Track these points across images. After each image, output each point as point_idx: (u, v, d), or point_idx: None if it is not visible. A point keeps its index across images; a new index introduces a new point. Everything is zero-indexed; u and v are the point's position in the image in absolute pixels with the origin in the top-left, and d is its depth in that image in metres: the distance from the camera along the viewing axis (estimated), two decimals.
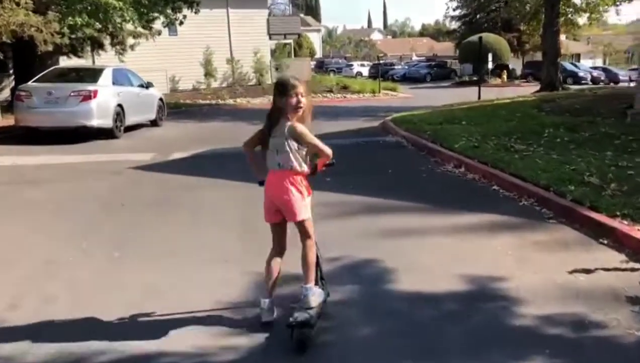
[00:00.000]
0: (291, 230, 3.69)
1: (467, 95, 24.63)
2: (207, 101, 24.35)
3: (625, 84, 35.47)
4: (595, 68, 49.99)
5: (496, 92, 25.37)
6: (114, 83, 13.55)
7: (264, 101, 25.19)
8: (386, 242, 5.26)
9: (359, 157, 9.52)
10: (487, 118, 12.63)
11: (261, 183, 3.62)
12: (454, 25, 55.17)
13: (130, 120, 13.77)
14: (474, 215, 6.00)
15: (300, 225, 3.56)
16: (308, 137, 3.47)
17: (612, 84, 43.36)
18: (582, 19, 25.67)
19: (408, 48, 77.40)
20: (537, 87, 23.67)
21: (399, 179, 7.90)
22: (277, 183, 3.49)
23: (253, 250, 4.76)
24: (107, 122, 12.68)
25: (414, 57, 69.04)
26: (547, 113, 13.45)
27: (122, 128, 13.32)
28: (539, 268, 4.50)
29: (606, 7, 25.46)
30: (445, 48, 68.63)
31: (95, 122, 12.43)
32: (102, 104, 12.60)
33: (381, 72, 51.52)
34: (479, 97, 22.04)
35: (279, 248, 3.69)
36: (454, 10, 51.93)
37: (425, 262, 4.72)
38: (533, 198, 6.33)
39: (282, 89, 3.47)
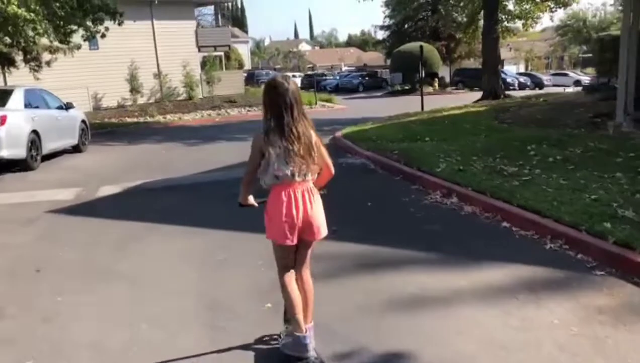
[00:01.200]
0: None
1: (406, 105, 24.07)
2: (135, 119, 22.38)
3: (555, 89, 36.02)
4: (521, 74, 51.13)
5: (435, 102, 24.91)
6: (26, 106, 11.65)
7: (197, 117, 23.50)
8: (402, 319, 3.96)
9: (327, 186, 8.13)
10: (452, 133, 11.63)
11: (242, 205, 3.36)
12: (382, 35, 55.10)
13: (48, 147, 11.89)
14: (497, 267, 4.80)
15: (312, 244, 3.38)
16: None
17: (537, 89, 44.43)
18: (515, 26, 25.57)
19: (336, 58, 77.14)
20: (471, 95, 23.24)
21: (385, 216, 6.62)
22: (303, 198, 3.18)
23: (225, 341, 3.53)
24: (19, 152, 10.79)
25: (344, 68, 68.73)
26: (509, 125, 12.66)
27: (38, 158, 11.44)
28: (636, 359, 3.31)
29: (540, 13, 25.53)
30: (373, 58, 68.81)
31: (4, 152, 10.52)
32: (12, 131, 10.71)
33: (314, 83, 50.75)
34: (422, 108, 21.24)
35: (291, 269, 3.36)
36: (383, 20, 51.82)
37: (468, 354, 3.45)
38: (560, 239, 5.20)
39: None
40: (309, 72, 56.44)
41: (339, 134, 14.15)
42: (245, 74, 45.25)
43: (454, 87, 45.30)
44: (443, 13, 43.75)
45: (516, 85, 45.33)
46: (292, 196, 3.15)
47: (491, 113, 15.19)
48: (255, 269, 5.02)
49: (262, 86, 3.52)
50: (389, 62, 50.52)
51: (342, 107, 29.83)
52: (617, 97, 9.63)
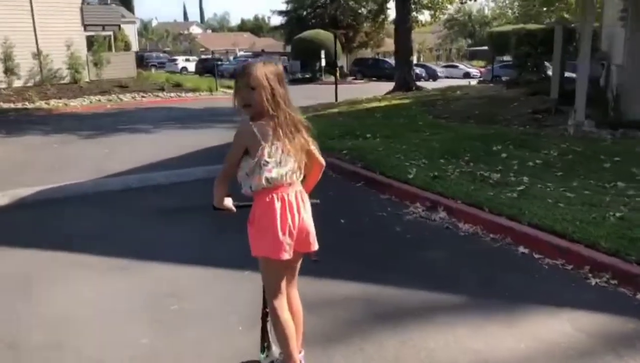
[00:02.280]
0: None
1: (314, 95, 23.20)
2: (11, 105, 19.40)
3: (450, 81, 36.65)
4: (416, 65, 51.92)
5: (342, 92, 24.22)
6: None
7: (85, 103, 20.89)
8: None
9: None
10: (392, 129, 10.62)
11: (216, 209, 2.73)
12: (281, 20, 53.62)
13: None
14: (548, 314, 3.76)
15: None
16: None
17: (431, 80, 45.36)
18: (424, 17, 25.34)
19: (230, 43, 74.63)
20: (374, 85, 22.52)
21: (369, 238, 5.39)
22: (297, 202, 2.66)
23: None
24: None
25: (240, 53, 66.52)
26: (447, 120, 11.90)
27: None
28: None
29: (449, 5, 25.43)
30: (271, 44, 67.28)
31: None
32: None
33: (209, 68, 48.40)
34: (337, 98, 20.28)
35: (284, 292, 2.78)
36: (281, 5, 50.33)
37: None
38: (604, 272, 4.26)
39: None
40: (204, 57, 53.83)
41: None
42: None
43: (353, 77, 45.03)
44: (342, 1, 43.16)
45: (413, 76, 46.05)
46: (286, 200, 2.64)
47: (419, 106, 14.45)
48: (229, 327, 3.62)
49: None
50: (288, 49, 49.23)
51: None
52: (577, 96, 9.08)
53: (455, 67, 53.58)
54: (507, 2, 59.49)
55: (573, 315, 3.75)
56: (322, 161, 2.83)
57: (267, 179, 2.58)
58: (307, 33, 41.47)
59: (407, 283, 4.28)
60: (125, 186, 7.59)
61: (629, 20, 9.02)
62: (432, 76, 48.23)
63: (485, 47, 63.77)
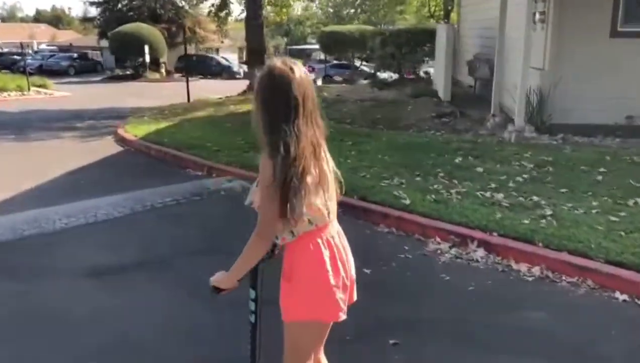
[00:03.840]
0: None
1: (150, 93, 21.29)
2: None
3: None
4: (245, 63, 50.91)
5: (173, 90, 22.53)
6: None
7: None
8: None
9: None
10: None
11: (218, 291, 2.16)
12: (95, 12, 48.61)
13: None
14: None
15: None
16: None
17: None
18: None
19: (26, 35, 66.23)
20: (206, 83, 20.82)
21: (418, 294, 4.15)
22: (343, 244, 2.19)
23: None
24: None
25: (42, 46, 59.28)
26: (352, 126, 10.94)
27: None
28: None
29: (292, 2, 24.64)
30: (75, 38, 61.15)
31: None
32: None
33: (7, 64, 42.43)
34: (189, 99, 18.37)
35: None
36: None
37: None
38: None
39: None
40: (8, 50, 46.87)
41: (131, 136, 10.65)
42: None
43: (181, 75, 42.53)
44: None
45: (241, 73, 45.21)
46: (333, 244, 2.10)
47: None
48: None
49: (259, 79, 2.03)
50: (103, 43, 44.81)
51: (64, 94, 24.42)
52: (517, 102, 8.67)
53: None
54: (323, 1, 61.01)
55: None
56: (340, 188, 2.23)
57: (309, 221, 2.05)
58: (128, 27, 38.08)
59: None
60: (16, 233, 5.36)
61: (550, 23, 8.86)
62: None
63: (306, 46, 64.93)
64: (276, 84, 1.98)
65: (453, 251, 4.82)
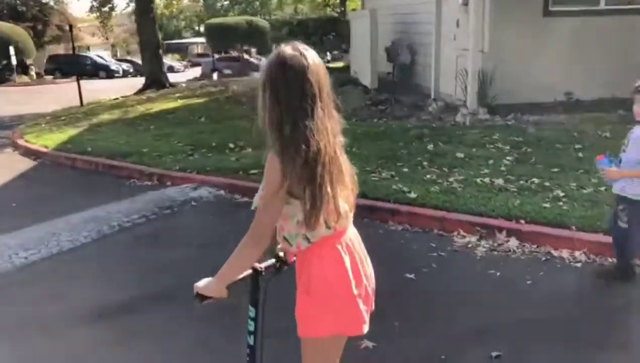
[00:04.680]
0: None
1: (20, 99, 19.42)
2: None
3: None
4: (123, 60, 48.41)
5: (50, 93, 20.75)
6: None
7: None
8: None
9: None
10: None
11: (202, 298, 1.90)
12: None
13: None
14: None
15: None
16: None
17: (139, 76, 42.67)
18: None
19: None
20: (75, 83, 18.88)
21: (495, 304, 3.83)
22: (362, 249, 2.00)
23: None
24: None
25: None
26: None
27: None
28: None
29: None
30: None
31: None
32: None
33: None
34: (82, 102, 16.86)
35: None
36: None
37: None
38: None
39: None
40: None
41: (40, 147, 9.45)
42: None
43: (52, 76, 39.48)
44: None
45: (120, 72, 43.14)
46: (353, 249, 1.91)
47: (229, 105, 12.57)
48: None
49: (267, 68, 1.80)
50: None
51: None
52: (469, 85, 8.63)
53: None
54: None
55: None
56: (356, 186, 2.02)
57: (326, 224, 1.83)
58: None
59: None
60: None
61: (487, 5, 8.90)
62: (140, 71, 45.35)
63: (182, 40, 62.66)
64: (289, 73, 1.77)
65: (484, 243, 4.57)
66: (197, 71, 33.95)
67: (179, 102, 14.14)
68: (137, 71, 45.06)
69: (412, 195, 5.32)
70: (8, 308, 3.95)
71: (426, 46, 11.18)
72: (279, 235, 1.91)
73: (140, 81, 22.07)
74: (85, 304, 3.92)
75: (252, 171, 6.66)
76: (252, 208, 1.88)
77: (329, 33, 16.75)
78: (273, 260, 1.99)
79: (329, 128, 1.81)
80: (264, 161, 1.80)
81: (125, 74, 43.15)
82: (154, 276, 4.38)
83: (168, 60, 50.95)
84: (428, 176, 5.91)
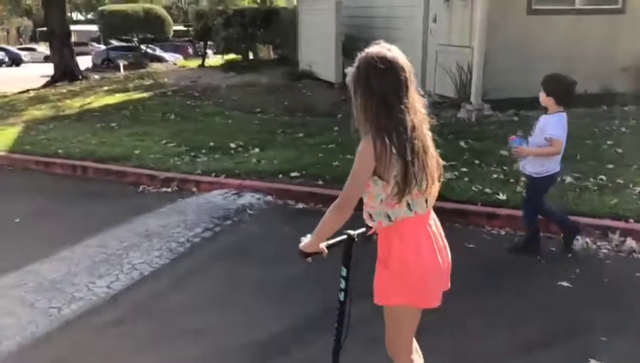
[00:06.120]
0: None
1: None
2: None
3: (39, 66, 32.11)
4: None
5: None
6: None
7: None
8: None
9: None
10: (247, 135, 8.27)
11: (307, 255, 2.22)
12: None
13: None
14: None
15: None
16: None
17: (14, 65, 39.36)
18: None
19: None
20: None
21: None
22: (440, 232, 2.23)
23: None
24: None
25: None
26: (265, 114, 9.97)
27: None
28: None
29: None
30: None
31: None
32: None
33: None
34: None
35: None
36: None
37: None
38: None
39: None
40: None
41: None
42: None
43: None
44: None
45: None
46: (431, 232, 2.16)
47: (181, 101, 11.67)
48: None
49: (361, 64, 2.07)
50: None
51: None
52: (473, 82, 8.62)
53: (34, 50, 47.85)
54: None
55: None
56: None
57: (408, 207, 2.07)
58: None
59: None
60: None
61: (479, 1, 8.91)
62: (16, 60, 41.64)
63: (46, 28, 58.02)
64: (384, 68, 2.00)
65: (602, 245, 4.54)
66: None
67: (118, 97, 12.95)
68: (13, 60, 41.30)
69: (502, 197, 5.18)
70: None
71: (400, 41, 11.09)
72: (365, 210, 2.16)
73: (14, 71, 20.09)
74: (240, 338, 3.34)
75: (294, 174, 6.20)
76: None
77: (269, 25, 16.17)
78: (364, 229, 2.23)
79: (419, 113, 2.07)
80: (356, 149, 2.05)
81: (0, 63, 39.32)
82: (287, 297, 3.86)
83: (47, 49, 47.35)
84: (493, 176, 5.80)
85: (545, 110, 4.22)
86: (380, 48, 2.06)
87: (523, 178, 4.53)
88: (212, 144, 7.76)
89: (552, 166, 4.13)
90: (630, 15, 9.88)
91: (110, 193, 6.39)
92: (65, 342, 3.39)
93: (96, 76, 19.48)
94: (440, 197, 2.26)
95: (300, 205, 5.65)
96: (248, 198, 5.77)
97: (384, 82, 2.01)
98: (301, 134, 8.19)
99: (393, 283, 2.14)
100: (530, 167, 4.19)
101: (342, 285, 2.28)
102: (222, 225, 5.14)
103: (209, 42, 20.08)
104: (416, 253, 2.10)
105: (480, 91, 8.64)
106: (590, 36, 9.53)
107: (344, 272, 2.26)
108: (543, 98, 4.11)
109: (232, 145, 7.68)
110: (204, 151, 7.49)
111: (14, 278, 4.15)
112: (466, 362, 3.19)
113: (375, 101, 2.01)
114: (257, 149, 7.48)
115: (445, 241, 2.22)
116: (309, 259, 2.23)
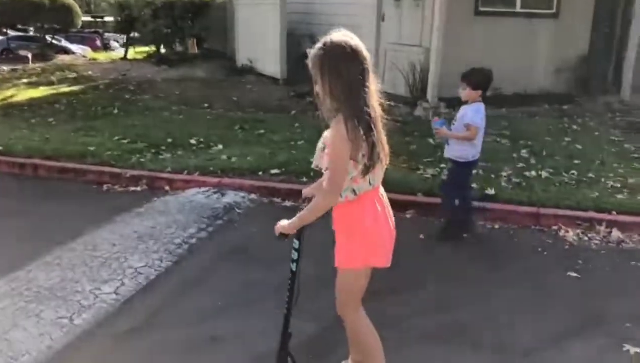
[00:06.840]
0: None
1: None
2: None
3: None
4: None
5: None
6: None
7: None
8: None
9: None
10: (230, 132, 8.00)
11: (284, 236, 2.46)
12: None
13: None
14: None
15: None
16: None
17: None
18: None
19: None
20: None
21: None
22: (387, 201, 2.50)
23: None
24: None
25: None
26: (214, 109, 9.67)
27: None
28: None
29: None
30: None
31: None
32: None
33: None
34: None
35: None
36: None
37: None
38: None
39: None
40: None
41: None
42: None
43: None
44: None
45: None
46: (384, 202, 2.46)
47: (118, 95, 11.06)
48: None
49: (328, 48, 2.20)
50: None
51: None
52: (430, 80, 8.74)
53: None
54: None
55: None
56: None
57: (369, 182, 2.32)
58: None
59: None
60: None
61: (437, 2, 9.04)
62: None
63: None
64: (351, 53, 2.16)
65: (591, 236, 4.76)
66: None
67: (43, 90, 12.08)
68: None
69: (491, 192, 5.32)
70: None
71: None
72: None
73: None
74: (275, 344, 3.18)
75: (274, 171, 6.04)
76: (312, 166, 2.44)
77: (198, 17, 15.68)
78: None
79: (376, 96, 2.23)
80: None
81: None
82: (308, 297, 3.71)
83: None
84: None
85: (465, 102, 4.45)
86: (344, 35, 2.20)
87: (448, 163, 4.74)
88: (169, 140, 7.40)
89: (473, 152, 4.47)
90: (562, 20, 10.48)
91: (72, 192, 5.91)
92: (88, 354, 3.08)
93: (4, 67, 18.03)
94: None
95: (288, 203, 5.49)
96: (232, 196, 5.54)
97: (351, 66, 2.15)
98: (262, 131, 7.99)
99: (357, 248, 2.38)
100: (454, 152, 4.50)
101: (294, 256, 2.50)
102: (214, 225, 4.90)
103: (132, 34, 19.15)
104: (374, 220, 2.36)
105: (436, 89, 8.83)
106: (529, 39, 10.03)
107: (295, 244, 2.48)
108: (467, 92, 4.33)
109: (192, 141, 7.37)
110: (163, 147, 7.12)
111: (3, 286, 3.73)
112: (506, 353, 3.21)
113: (343, 85, 2.14)
114: (220, 146, 7.21)
115: (390, 207, 2.48)
116: (286, 239, 2.43)
